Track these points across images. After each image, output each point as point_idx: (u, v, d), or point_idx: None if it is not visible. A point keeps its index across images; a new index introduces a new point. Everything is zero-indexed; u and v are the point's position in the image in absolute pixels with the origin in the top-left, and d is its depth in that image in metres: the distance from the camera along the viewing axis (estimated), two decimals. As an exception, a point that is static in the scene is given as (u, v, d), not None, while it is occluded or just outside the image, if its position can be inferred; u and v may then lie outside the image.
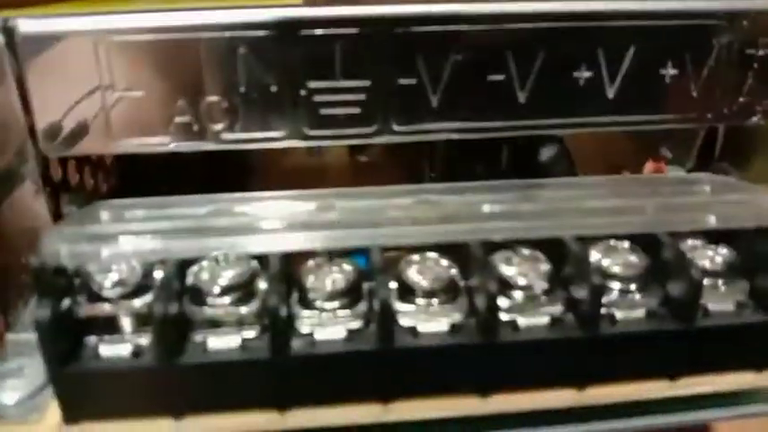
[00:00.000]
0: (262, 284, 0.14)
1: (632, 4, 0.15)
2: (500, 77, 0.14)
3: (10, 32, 0.14)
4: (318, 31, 0.14)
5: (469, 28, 0.14)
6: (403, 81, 0.14)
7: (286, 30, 0.14)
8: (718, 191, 0.15)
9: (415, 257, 0.15)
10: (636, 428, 0.15)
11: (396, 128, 0.15)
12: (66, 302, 0.13)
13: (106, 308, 0.14)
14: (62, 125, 0.14)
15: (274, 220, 0.14)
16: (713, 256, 0.15)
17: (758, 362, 0.15)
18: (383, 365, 0.14)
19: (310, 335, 0.14)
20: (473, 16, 0.14)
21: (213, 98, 0.14)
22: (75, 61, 0.14)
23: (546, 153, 0.19)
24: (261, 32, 0.14)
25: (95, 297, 0.14)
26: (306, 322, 0.14)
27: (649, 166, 0.20)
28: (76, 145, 0.14)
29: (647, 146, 0.20)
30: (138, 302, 0.14)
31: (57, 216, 0.15)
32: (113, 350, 0.14)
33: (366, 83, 0.14)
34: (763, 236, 0.15)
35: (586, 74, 0.15)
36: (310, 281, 0.14)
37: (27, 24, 0.14)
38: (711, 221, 0.14)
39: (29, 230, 0.15)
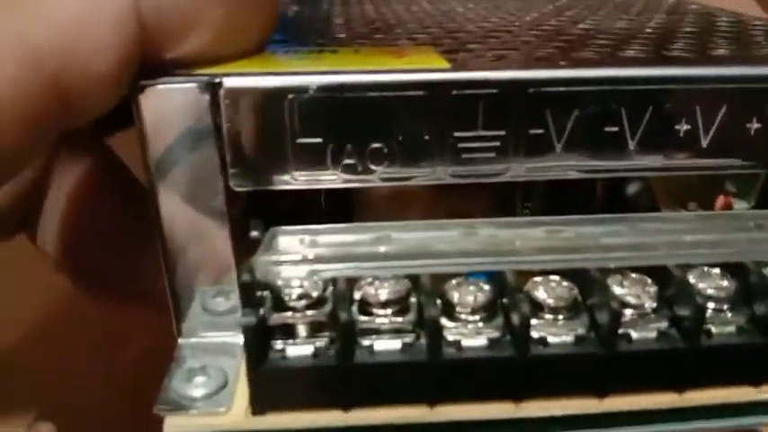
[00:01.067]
0: (413, 299, 0.17)
1: (723, 70, 0.18)
2: (615, 129, 0.17)
3: (214, 89, 0.17)
4: (464, 91, 0.17)
5: (589, 89, 0.17)
6: (532, 131, 0.17)
7: (438, 90, 0.17)
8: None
9: (539, 279, 0.18)
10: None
11: (524, 170, 0.18)
12: (262, 311, 0.16)
13: (292, 316, 0.16)
14: (250, 165, 0.17)
15: (424, 247, 0.17)
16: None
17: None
18: (516, 370, 0.17)
19: (458, 342, 0.17)
20: (592, 79, 0.17)
21: (376, 144, 0.17)
22: (266, 112, 0.17)
23: (632, 189, 0.22)
24: (417, 92, 0.17)
25: (283, 308, 0.17)
26: (452, 332, 0.17)
27: (720, 200, 0.22)
28: (262, 180, 0.17)
29: (711, 181, 0.23)
30: (318, 312, 0.16)
31: (235, 241, 0.18)
32: (298, 351, 0.16)
33: (501, 132, 0.17)
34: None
35: (685, 126, 0.18)
36: (455, 296, 0.17)
37: (230, 81, 0.17)
38: None
39: (211, 255, 0.18)
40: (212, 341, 0.19)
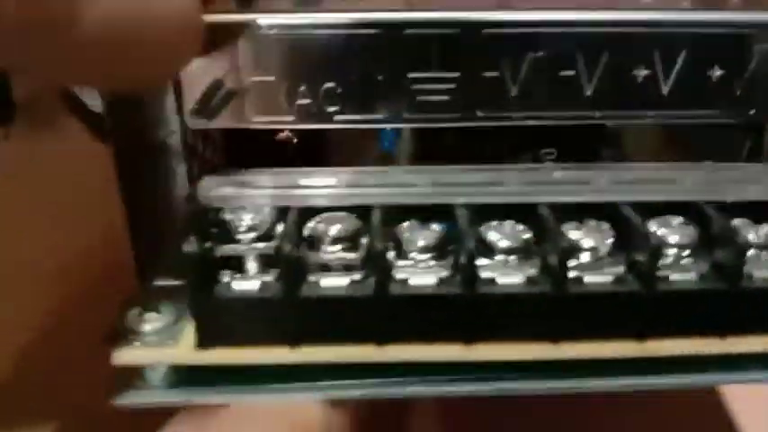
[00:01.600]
0: (364, 239, 0.17)
1: (683, 15, 0.17)
2: (570, 73, 0.17)
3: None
4: (419, 31, 0.17)
5: (545, 31, 0.17)
6: (487, 74, 0.17)
7: (392, 29, 0.17)
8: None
9: (494, 223, 0.18)
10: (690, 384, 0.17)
11: (479, 114, 0.18)
12: (208, 243, 0.16)
13: (239, 249, 0.16)
14: (205, 103, 0.17)
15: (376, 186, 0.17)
16: (758, 231, 0.17)
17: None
18: (464, 308, 0.16)
19: (405, 280, 0.17)
20: (548, 22, 0.17)
21: (330, 85, 0.17)
22: (220, 50, 0.17)
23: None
24: (372, 30, 0.17)
25: (230, 240, 0.17)
26: (401, 270, 0.17)
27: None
28: (215, 120, 0.17)
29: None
30: (266, 245, 0.16)
31: (191, 181, 0.18)
32: (243, 285, 0.16)
33: (456, 74, 0.17)
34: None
35: (643, 72, 0.17)
36: (406, 236, 0.17)
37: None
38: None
39: (169, 193, 0.18)
40: (172, 285, 0.19)
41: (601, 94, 0.17)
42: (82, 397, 0.20)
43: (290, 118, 0.17)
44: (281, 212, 0.17)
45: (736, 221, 0.18)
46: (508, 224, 0.18)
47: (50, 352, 0.24)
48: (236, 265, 0.17)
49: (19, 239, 0.21)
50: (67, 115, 0.21)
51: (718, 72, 0.17)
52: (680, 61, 0.17)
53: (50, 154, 0.22)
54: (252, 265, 0.17)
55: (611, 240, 0.17)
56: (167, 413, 0.19)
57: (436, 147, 0.20)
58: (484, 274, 0.17)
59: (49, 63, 0.13)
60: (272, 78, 0.17)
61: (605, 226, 0.17)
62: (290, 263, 0.16)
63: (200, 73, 0.17)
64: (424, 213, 0.18)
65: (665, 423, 0.28)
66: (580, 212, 0.18)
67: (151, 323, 0.17)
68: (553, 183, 0.17)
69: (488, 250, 0.17)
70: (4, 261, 0.21)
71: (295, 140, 0.23)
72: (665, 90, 0.18)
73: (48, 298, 0.24)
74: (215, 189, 0.16)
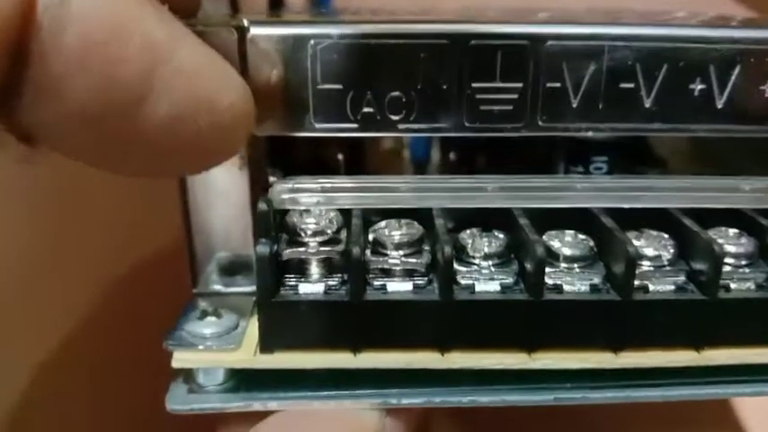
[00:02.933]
0: (426, 246, 0.17)
1: (737, 32, 0.18)
2: (630, 86, 0.18)
3: (242, 32, 0.17)
4: (484, 42, 0.17)
5: (607, 44, 0.17)
6: (549, 85, 0.18)
7: (458, 40, 0.17)
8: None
9: (554, 232, 0.18)
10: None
11: (541, 124, 0.18)
12: (276, 246, 0.16)
13: (306, 252, 0.17)
14: (271, 110, 0.17)
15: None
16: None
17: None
18: (529, 315, 0.16)
19: (471, 286, 0.17)
20: (610, 36, 0.17)
21: (394, 93, 0.17)
22: (289, 59, 0.17)
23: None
24: (437, 41, 0.17)
25: (297, 243, 0.17)
26: (465, 276, 0.17)
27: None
28: (281, 126, 0.18)
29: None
30: (331, 249, 0.17)
31: (254, 188, 0.18)
32: (309, 288, 0.16)
33: (518, 85, 0.18)
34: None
35: (700, 86, 0.18)
36: (470, 243, 0.17)
37: (256, 28, 0.17)
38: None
39: (231, 200, 0.18)
40: (227, 292, 0.19)
41: (659, 106, 0.18)
42: (139, 400, 0.20)
43: (354, 126, 0.18)
44: (346, 217, 0.17)
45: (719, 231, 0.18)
46: (570, 233, 0.18)
47: (112, 353, 0.24)
48: (301, 269, 0.17)
49: (86, 239, 0.21)
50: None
51: (769, 87, 0.18)
52: (733, 76, 0.18)
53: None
54: (315, 270, 0.17)
55: (672, 250, 0.17)
56: (219, 419, 0.18)
57: (495, 155, 0.20)
58: (549, 281, 0.17)
59: (110, 152, 0.13)
60: (337, 86, 0.17)
61: (665, 235, 0.18)
62: (356, 267, 0.16)
63: (268, 81, 0.17)
64: (487, 220, 0.18)
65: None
66: (639, 222, 0.18)
67: (211, 327, 0.17)
68: (613, 190, 0.17)
69: (553, 258, 0.17)
70: (69, 259, 0.21)
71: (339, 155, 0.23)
72: (719, 104, 0.18)
73: (110, 301, 0.24)
74: (286, 193, 0.16)
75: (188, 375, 0.18)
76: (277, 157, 0.19)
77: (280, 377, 0.17)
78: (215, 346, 0.17)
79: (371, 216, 0.18)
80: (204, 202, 0.18)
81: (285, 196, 0.16)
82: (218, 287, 0.19)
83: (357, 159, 0.23)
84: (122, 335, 0.21)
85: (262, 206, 0.16)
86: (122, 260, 0.22)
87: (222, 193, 0.18)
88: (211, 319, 0.17)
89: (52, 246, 0.21)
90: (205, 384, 0.17)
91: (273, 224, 0.16)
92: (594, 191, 0.17)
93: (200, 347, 0.17)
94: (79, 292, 0.22)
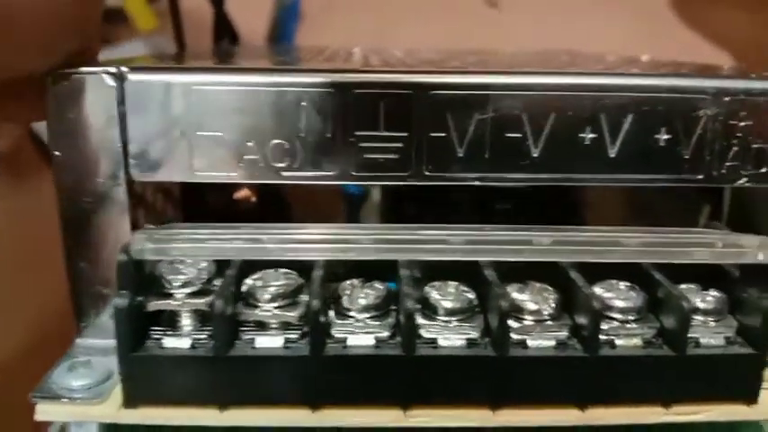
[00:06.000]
0: (304, 296, 0.17)
1: (630, 80, 0.18)
2: (517, 135, 0.17)
3: (121, 79, 0.17)
4: (367, 91, 0.17)
5: (491, 93, 0.17)
6: (434, 134, 0.17)
7: (342, 88, 0.17)
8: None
9: (437, 283, 0.17)
10: None
11: (426, 173, 0.17)
12: (140, 297, 0.16)
13: (172, 304, 0.16)
14: (151, 155, 0.17)
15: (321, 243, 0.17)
16: (705, 297, 0.17)
17: (749, 396, 0.16)
18: (403, 370, 0.16)
19: (344, 340, 0.16)
20: (495, 85, 0.17)
21: (277, 141, 0.17)
22: (168, 104, 0.17)
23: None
24: (321, 89, 0.17)
25: (164, 295, 0.16)
26: (339, 330, 0.16)
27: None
28: (161, 172, 0.17)
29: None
30: (200, 301, 0.16)
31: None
32: (175, 342, 0.16)
33: (403, 134, 0.17)
34: (747, 277, 0.17)
35: (591, 135, 0.17)
36: (346, 295, 0.17)
37: (134, 74, 0.17)
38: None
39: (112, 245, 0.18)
40: (110, 343, 0.19)
41: (547, 156, 0.17)
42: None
43: (236, 173, 0.17)
44: (222, 268, 0.17)
45: (683, 287, 0.18)
46: (452, 285, 0.17)
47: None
48: (172, 321, 0.16)
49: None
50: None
51: (665, 136, 0.17)
52: (626, 125, 0.17)
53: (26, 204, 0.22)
54: (187, 322, 0.16)
55: (554, 303, 0.17)
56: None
57: (387, 205, 0.20)
58: (425, 335, 0.16)
59: None
60: (219, 134, 0.17)
61: (549, 288, 0.17)
62: (220, 320, 0.15)
63: (146, 125, 0.17)
64: (371, 272, 0.18)
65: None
66: (524, 274, 0.17)
67: (81, 379, 0.17)
68: (497, 242, 0.17)
69: (431, 310, 0.17)
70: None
71: (253, 198, 0.23)
72: (612, 153, 0.18)
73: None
74: (146, 243, 0.16)
75: (63, 429, 0.17)
76: (192, 203, 0.19)
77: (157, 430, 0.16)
78: (79, 399, 0.16)
79: (251, 267, 0.17)
80: (86, 246, 0.18)
81: (149, 245, 0.16)
82: (103, 337, 0.18)
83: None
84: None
85: (121, 257, 0.15)
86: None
87: (104, 236, 0.18)
88: (82, 371, 0.17)
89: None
90: (77, 433, 0.17)
91: (137, 274, 0.16)
92: (473, 243, 0.17)
93: (64, 400, 0.16)
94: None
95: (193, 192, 0.22)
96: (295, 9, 0.43)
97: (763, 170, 0.18)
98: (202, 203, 0.23)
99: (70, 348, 0.18)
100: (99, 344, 0.18)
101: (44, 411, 0.16)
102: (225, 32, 0.35)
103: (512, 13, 0.52)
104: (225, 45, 0.37)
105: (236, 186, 0.23)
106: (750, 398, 0.16)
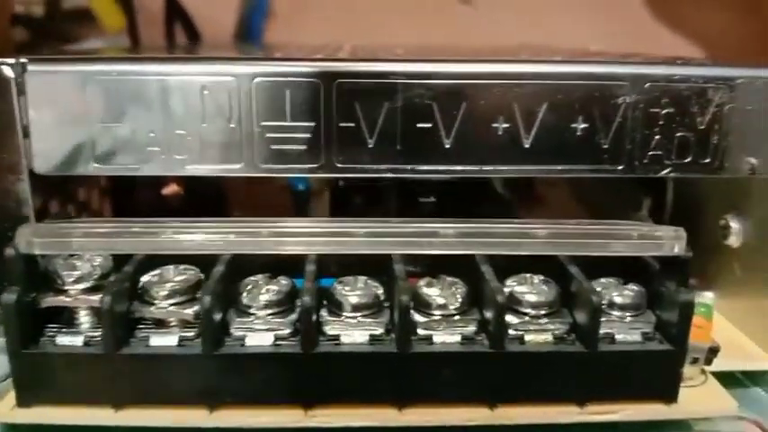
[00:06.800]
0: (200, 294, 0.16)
1: (542, 67, 0.17)
2: (428, 125, 0.17)
3: (22, 70, 0.16)
4: (271, 80, 0.17)
5: (402, 82, 0.17)
6: (343, 124, 0.17)
7: (243, 78, 0.17)
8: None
9: (346, 278, 0.17)
10: None
11: (338, 165, 0.17)
12: (32, 293, 0.15)
13: (65, 300, 0.16)
14: (54, 149, 0.17)
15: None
16: (623, 291, 0.16)
17: (668, 394, 0.16)
18: (301, 368, 0.15)
19: (242, 338, 0.16)
20: (404, 73, 0.17)
21: (180, 132, 0.17)
22: (69, 96, 0.16)
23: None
24: (224, 79, 0.17)
25: (58, 291, 0.16)
26: (237, 327, 0.16)
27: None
28: (64, 165, 0.17)
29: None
30: (93, 298, 0.16)
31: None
32: (68, 340, 0.15)
33: (311, 124, 0.17)
34: (666, 270, 0.16)
35: (504, 125, 0.17)
36: (246, 291, 0.16)
37: (34, 65, 0.16)
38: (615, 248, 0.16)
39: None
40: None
41: (460, 146, 0.17)
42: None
43: (135, 166, 0.17)
44: (120, 264, 0.16)
45: (603, 280, 0.17)
46: (361, 279, 0.17)
47: None
48: (69, 318, 0.16)
49: None
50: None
51: (582, 125, 0.17)
52: (541, 114, 0.17)
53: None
54: (84, 319, 0.16)
55: (461, 298, 0.16)
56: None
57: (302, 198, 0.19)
58: (329, 331, 0.16)
59: None
60: (116, 124, 0.17)
61: (459, 282, 0.16)
62: (109, 317, 0.15)
63: (49, 118, 0.16)
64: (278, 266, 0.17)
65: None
66: (436, 268, 0.17)
67: (-24, 378, 0.16)
68: (405, 235, 0.16)
69: (335, 306, 0.16)
70: None
71: (181, 192, 0.23)
72: (526, 143, 0.17)
73: None
74: (32, 237, 0.15)
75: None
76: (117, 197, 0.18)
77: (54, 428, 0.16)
78: (-26, 400, 0.16)
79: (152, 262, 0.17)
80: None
81: (35, 240, 0.15)
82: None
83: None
84: None
85: (9, 251, 0.15)
86: None
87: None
88: (-21, 369, 0.16)
89: None
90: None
91: (28, 270, 0.15)
92: (385, 236, 0.16)
93: (-43, 400, 0.16)
94: None
95: (122, 185, 0.22)
96: (262, 6, 0.43)
97: (688, 160, 0.17)
98: (130, 197, 0.22)
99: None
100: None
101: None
102: (181, 26, 0.35)
103: (488, 10, 0.51)
104: (182, 42, 0.36)
105: (165, 180, 0.23)
106: (668, 396, 0.16)
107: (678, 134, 0.17)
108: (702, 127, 0.17)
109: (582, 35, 0.45)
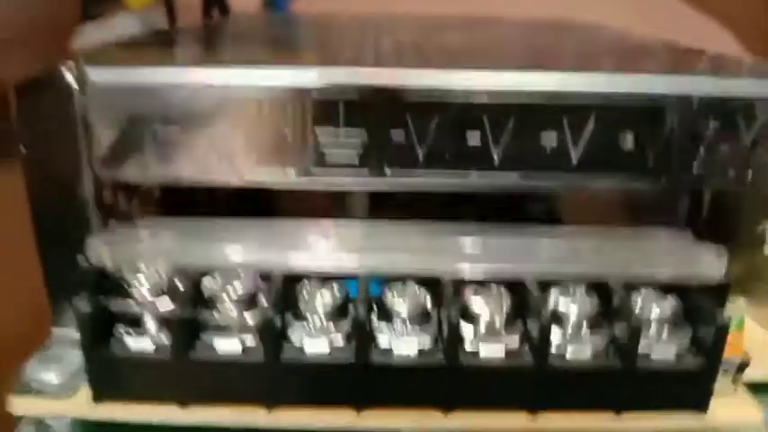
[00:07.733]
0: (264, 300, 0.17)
1: (585, 85, 0.17)
2: (478, 137, 0.17)
3: (84, 79, 0.17)
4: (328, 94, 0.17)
5: (456, 92, 0.17)
6: (395, 135, 0.17)
7: (303, 91, 0.17)
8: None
9: (398, 284, 0.18)
10: None
11: (388, 174, 0.17)
12: (103, 299, 0.16)
13: (133, 306, 0.17)
14: (115, 156, 0.17)
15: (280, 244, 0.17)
16: (661, 304, 0.17)
17: (699, 406, 0.17)
18: (355, 376, 0.16)
19: (299, 344, 0.17)
20: (460, 86, 0.17)
21: (240, 141, 0.17)
22: (132, 106, 0.17)
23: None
24: (282, 92, 0.17)
25: (127, 296, 0.17)
26: (297, 333, 0.17)
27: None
28: (126, 172, 0.17)
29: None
30: (162, 305, 0.17)
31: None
32: (138, 343, 0.16)
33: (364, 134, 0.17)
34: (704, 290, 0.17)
35: (553, 142, 0.17)
36: (304, 298, 0.17)
37: (95, 74, 0.17)
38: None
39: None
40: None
41: (507, 160, 0.17)
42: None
43: (199, 174, 0.17)
44: (183, 270, 0.17)
45: (642, 290, 0.18)
46: (410, 285, 0.17)
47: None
48: (136, 320, 0.17)
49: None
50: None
51: (628, 138, 0.17)
52: (589, 128, 0.17)
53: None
54: (151, 323, 0.17)
55: (506, 310, 0.17)
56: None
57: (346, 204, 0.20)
58: (382, 342, 0.17)
59: None
60: (182, 134, 0.17)
61: (505, 295, 0.17)
62: (182, 324, 0.16)
63: (113, 125, 0.17)
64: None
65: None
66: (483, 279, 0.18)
67: (52, 373, 0.17)
68: (458, 248, 0.17)
69: (386, 317, 0.17)
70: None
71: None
72: (574, 157, 0.17)
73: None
74: (104, 246, 0.16)
75: (38, 420, 0.18)
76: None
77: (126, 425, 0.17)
78: (51, 393, 0.17)
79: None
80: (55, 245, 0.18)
81: (106, 250, 0.16)
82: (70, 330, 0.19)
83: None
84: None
85: (81, 259, 0.16)
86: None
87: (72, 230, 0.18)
88: (56, 365, 0.17)
89: None
90: (52, 425, 0.18)
91: (98, 277, 0.16)
92: (439, 249, 0.17)
93: (34, 394, 0.17)
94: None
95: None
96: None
97: (731, 175, 0.18)
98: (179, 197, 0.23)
99: (47, 339, 0.19)
100: (72, 333, 0.19)
101: (17, 404, 0.17)
102: (214, 3, 0.35)
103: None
104: (215, 19, 0.36)
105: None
106: (699, 409, 0.17)
107: (723, 148, 0.17)
108: (747, 143, 0.17)
109: (603, 9, 0.45)
